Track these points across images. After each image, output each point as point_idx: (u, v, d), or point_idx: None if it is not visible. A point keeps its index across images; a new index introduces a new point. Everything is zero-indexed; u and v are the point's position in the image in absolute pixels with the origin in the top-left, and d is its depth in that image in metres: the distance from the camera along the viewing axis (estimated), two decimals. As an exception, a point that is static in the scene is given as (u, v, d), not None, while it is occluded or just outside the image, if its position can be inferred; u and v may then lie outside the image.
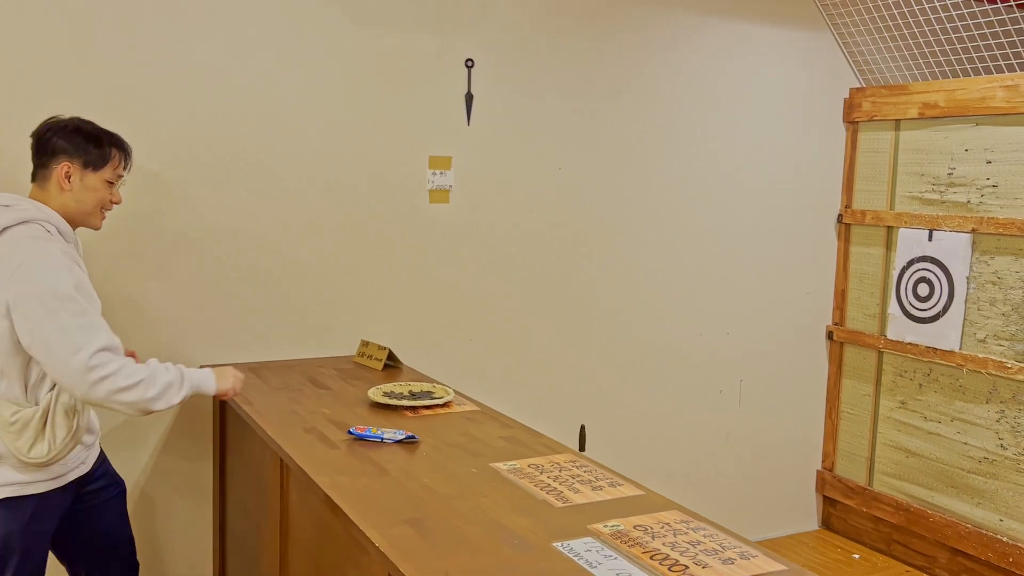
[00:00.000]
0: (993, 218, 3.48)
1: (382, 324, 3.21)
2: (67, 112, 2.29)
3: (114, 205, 2.27)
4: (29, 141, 2.21)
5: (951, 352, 3.64)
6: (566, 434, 3.56)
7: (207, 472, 2.99)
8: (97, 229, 2.28)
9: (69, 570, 2.44)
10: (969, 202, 3.60)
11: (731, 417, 3.99)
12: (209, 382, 2.25)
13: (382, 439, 2.18)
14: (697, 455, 3.93)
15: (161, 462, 2.90)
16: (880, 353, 3.98)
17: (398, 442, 2.18)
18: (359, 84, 3.08)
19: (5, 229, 2.05)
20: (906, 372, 3.88)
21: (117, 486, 2.46)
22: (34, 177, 2.20)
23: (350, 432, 2.21)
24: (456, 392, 2.69)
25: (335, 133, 3.06)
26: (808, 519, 4.28)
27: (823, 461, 4.26)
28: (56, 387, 2.09)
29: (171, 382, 2.12)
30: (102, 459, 2.42)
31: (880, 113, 3.92)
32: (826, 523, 4.28)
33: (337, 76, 3.04)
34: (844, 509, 4.18)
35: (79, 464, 2.24)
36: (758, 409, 4.06)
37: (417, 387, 2.65)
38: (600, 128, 3.53)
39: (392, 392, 2.57)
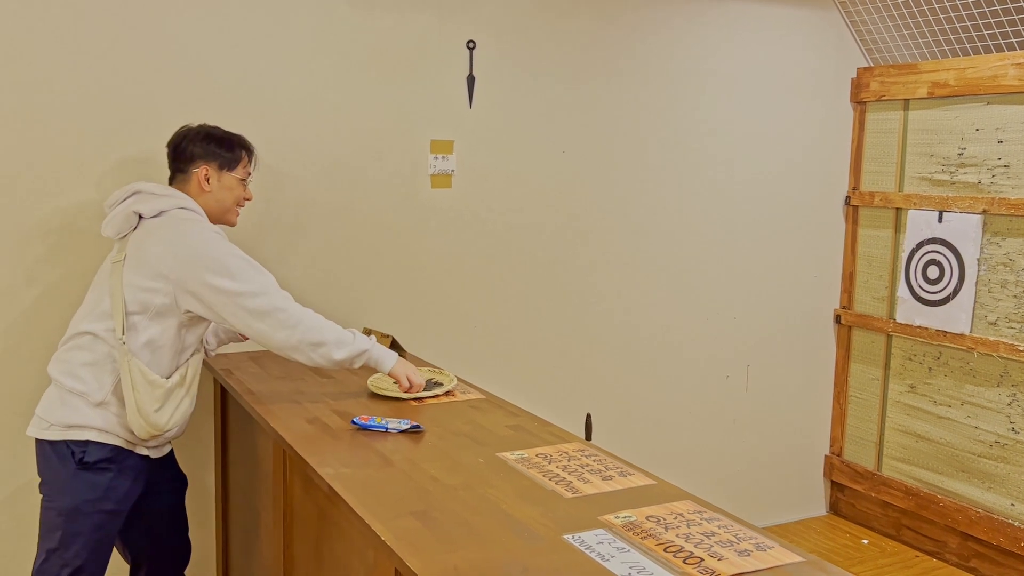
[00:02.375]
0: (1005, 199, 3.42)
1: (385, 311, 3.16)
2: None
3: (246, 201, 2.45)
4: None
5: (961, 335, 3.59)
6: (571, 422, 3.52)
7: (209, 463, 2.95)
8: (233, 225, 2.46)
9: (128, 553, 2.52)
10: (980, 183, 3.54)
11: (738, 402, 3.95)
12: (388, 359, 2.36)
13: (386, 429, 2.14)
14: (704, 441, 3.88)
15: (162, 453, 2.86)
16: (889, 337, 3.93)
17: (403, 432, 2.14)
18: (358, 67, 3.02)
19: (163, 212, 2.25)
20: (915, 356, 3.83)
21: (177, 481, 2.55)
22: (172, 180, 2.39)
23: (354, 422, 2.17)
24: (460, 380, 2.65)
25: (333, 118, 3.00)
26: (816, 504, 4.24)
27: (831, 446, 4.22)
28: (188, 362, 2.28)
29: (346, 338, 2.28)
30: (171, 456, 2.51)
31: (888, 93, 3.86)
32: (834, 508, 4.25)
33: (335, 59, 2.98)
34: (852, 494, 4.15)
35: (153, 447, 2.33)
36: (765, 394, 4.01)
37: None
38: (604, 111, 3.47)
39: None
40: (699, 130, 3.69)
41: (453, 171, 3.22)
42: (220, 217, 2.39)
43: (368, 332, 3.00)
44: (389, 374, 2.38)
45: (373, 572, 1.75)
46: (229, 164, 2.37)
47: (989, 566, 3.57)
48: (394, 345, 2.94)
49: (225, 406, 2.87)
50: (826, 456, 4.22)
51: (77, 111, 2.65)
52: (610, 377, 3.63)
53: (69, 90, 2.63)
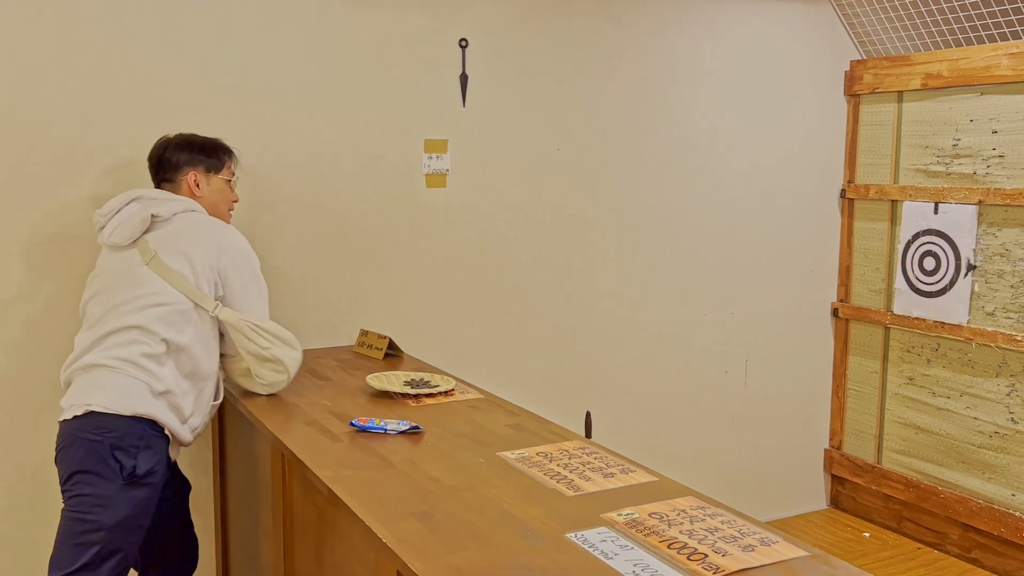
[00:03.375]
0: (1000, 189, 3.42)
1: (381, 312, 3.15)
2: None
3: (235, 203, 2.53)
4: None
5: (959, 326, 3.59)
6: (571, 420, 3.51)
7: (207, 467, 2.94)
8: None
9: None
10: (975, 173, 3.54)
11: (737, 398, 3.94)
12: None
13: (385, 430, 2.13)
14: (703, 437, 3.88)
15: (160, 459, 2.84)
16: (887, 329, 3.93)
17: (402, 433, 2.12)
18: (350, 66, 3.00)
19: (176, 214, 2.31)
20: (913, 347, 3.83)
21: (182, 483, 2.57)
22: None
23: (352, 424, 2.15)
24: (458, 380, 2.63)
25: (326, 117, 2.99)
26: (816, 498, 4.24)
27: (830, 439, 4.21)
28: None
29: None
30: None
31: (882, 85, 3.85)
32: (835, 502, 4.25)
33: (327, 58, 2.97)
34: (853, 487, 4.14)
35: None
36: (764, 389, 4.01)
37: (420, 376, 2.59)
38: (598, 107, 3.46)
39: (415, 380, 2.53)
40: (694, 126, 3.68)
41: (448, 170, 3.20)
42: None
43: (364, 333, 2.99)
44: None
45: (375, 574, 1.74)
46: (215, 167, 2.44)
47: (991, 557, 3.57)
48: (391, 346, 2.93)
49: (222, 409, 2.85)
50: (826, 450, 4.21)
51: (69, 115, 2.63)
52: (608, 374, 3.62)
53: (61, 93, 2.61)
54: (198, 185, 2.41)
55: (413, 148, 3.14)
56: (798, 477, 4.17)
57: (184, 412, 2.23)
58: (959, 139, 3.59)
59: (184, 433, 2.24)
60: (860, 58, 4.00)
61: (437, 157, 3.18)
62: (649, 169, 3.60)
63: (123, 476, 2.10)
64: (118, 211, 2.30)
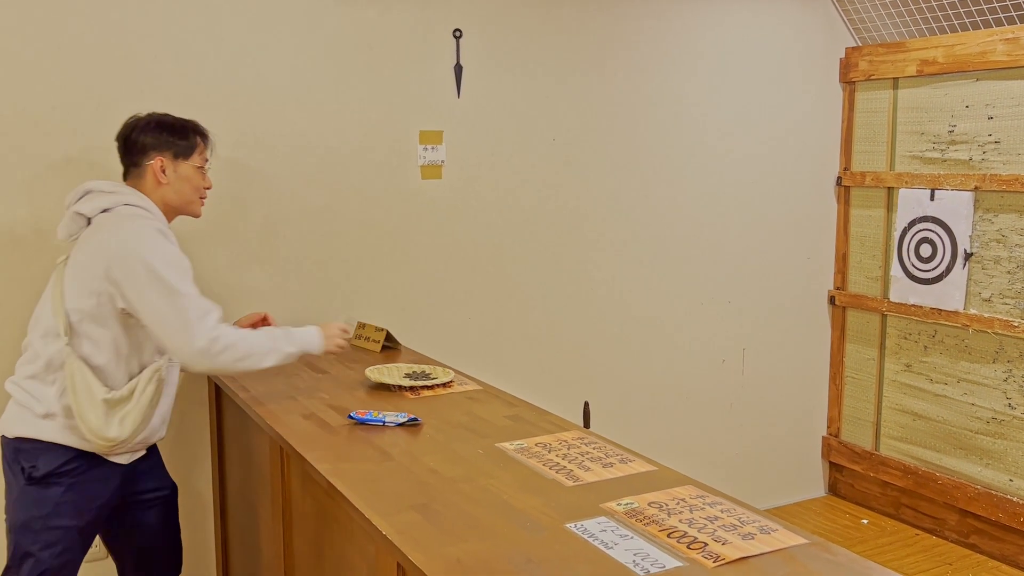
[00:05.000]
0: (996, 175, 3.42)
1: (378, 305, 3.14)
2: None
3: (207, 191, 2.33)
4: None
5: (956, 312, 3.59)
6: (569, 411, 3.51)
7: (205, 462, 2.93)
8: (198, 216, 2.35)
9: (115, 561, 2.46)
10: (971, 159, 3.53)
11: (735, 386, 3.95)
12: (315, 343, 2.31)
13: (384, 423, 2.12)
14: (701, 426, 3.88)
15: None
16: (883, 316, 3.93)
17: (400, 425, 2.12)
18: (344, 58, 2.99)
19: (107, 210, 2.14)
20: (910, 334, 3.83)
21: (166, 489, 2.43)
22: (126, 176, 2.27)
23: (351, 417, 2.15)
24: (456, 371, 2.63)
25: (321, 110, 2.97)
26: (815, 486, 4.25)
27: (828, 427, 4.22)
28: (142, 373, 2.14)
29: (271, 350, 2.20)
30: (155, 460, 2.40)
31: (877, 72, 3.84)
32: (833, 489, 4.25)
33: (321, 51, 2.95)
34: (851, 474, 4.15)
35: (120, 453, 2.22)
36: (762, 377, 4.01)
37: (418, 368, 2.59)
38: (593, 97, 3.45)
39: (413, 372, 2.53)
40: (690, 115, 3.67)
41: (443, 161, 3.19)
42: (183, 209, 2.28)
43: (362, 326, 2.98)
44: (326, 352, 2.36)
45: (375, 567, 1.74)
46: (185, 152, 2.24)
47: (988, 542, 3.58)
48: (389, 338, 2.92)
49: (220, 405, 2.85)
50: (824, 437, 4.22)
51: (56, 108, 2.61)
52: (607, 364, 3.62)
53: (48, 87, 2.59)
54: (164, 172, 2.21)
55: (408, 139, 3.13)
56: (796, 465, 4.18)
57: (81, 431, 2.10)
58: (955, 125, 3.59)
59: (97, 448, 2.13)
60: (855, 45, 3.99)
61: (432, 148, 3.17)
62: (645, 158, 3.60)
63: (24, 476, 2.10)
64: (73, 203, 2.19)
